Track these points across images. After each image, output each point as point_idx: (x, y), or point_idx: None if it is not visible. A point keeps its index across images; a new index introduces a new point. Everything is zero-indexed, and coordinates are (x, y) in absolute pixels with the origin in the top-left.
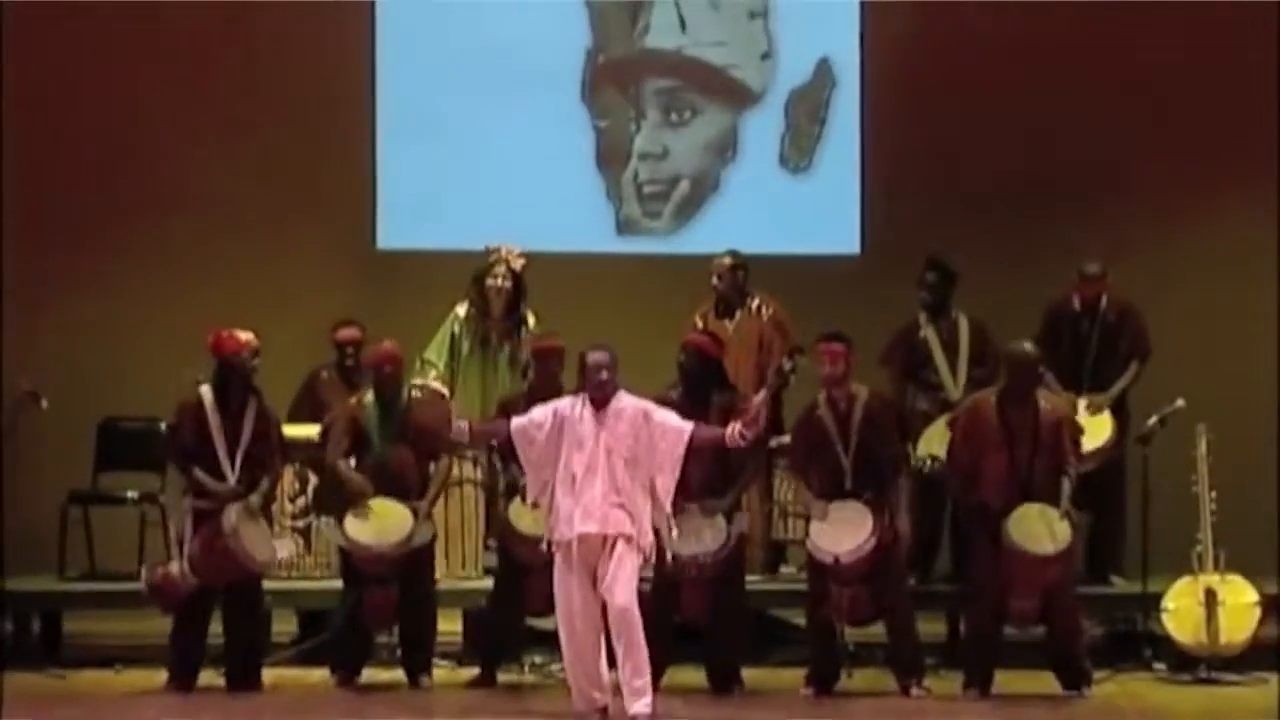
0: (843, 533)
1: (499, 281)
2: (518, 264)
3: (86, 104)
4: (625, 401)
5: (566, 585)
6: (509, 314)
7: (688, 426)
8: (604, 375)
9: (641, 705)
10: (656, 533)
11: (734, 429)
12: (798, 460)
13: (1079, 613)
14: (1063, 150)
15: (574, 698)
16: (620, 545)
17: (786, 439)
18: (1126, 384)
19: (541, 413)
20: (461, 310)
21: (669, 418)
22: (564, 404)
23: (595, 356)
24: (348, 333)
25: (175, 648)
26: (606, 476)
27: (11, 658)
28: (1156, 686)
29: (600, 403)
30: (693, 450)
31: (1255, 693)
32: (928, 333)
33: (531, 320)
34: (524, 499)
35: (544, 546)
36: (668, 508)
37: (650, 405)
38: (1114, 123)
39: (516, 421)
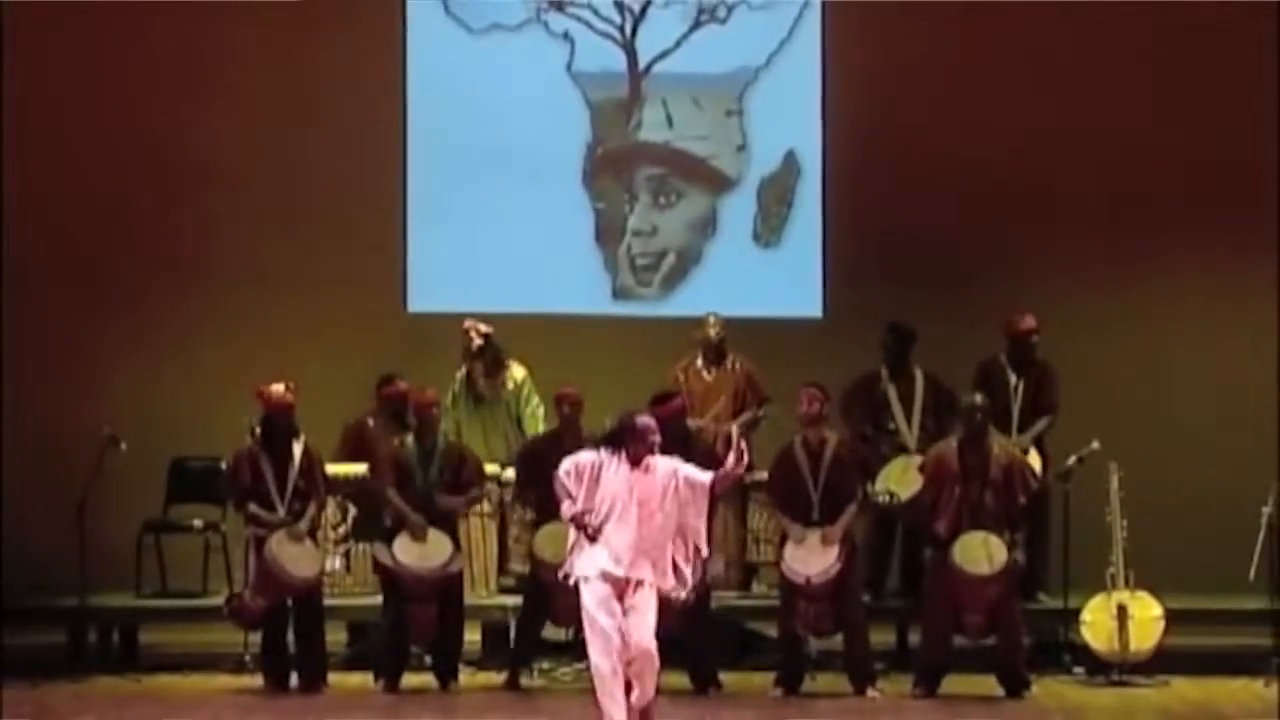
0: (813, 557)
1: (468, 360)
2: (478, 339)
3: (163, 186)
4: (656, 457)
5: (598, 613)
6: (492, 373)
7: (708, 478)
8: (656, 438)
9: None
10: (677, 570)
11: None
12: (776, 491)
13: (1022, 627)
14: (999, 229)
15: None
16: (643, 589)
17: (759, 474)
18: (1039, 432)
19: (585, 459)
20: (460, 373)
21: (694, 472)
22: (602, 456)
23: (646, 421)
24: (398, 387)
25: (265, 656)
26: (636, 527)
27: (94, 664)
28: (1075, 688)
29: (637, 460)
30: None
31: (1159, 693)
32: (888, 386)
33: (521, 373)
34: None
35: (562, 576)
36: (705, 552)
37: (677, 461)
38: (1042, 209)
39: (564, 468)
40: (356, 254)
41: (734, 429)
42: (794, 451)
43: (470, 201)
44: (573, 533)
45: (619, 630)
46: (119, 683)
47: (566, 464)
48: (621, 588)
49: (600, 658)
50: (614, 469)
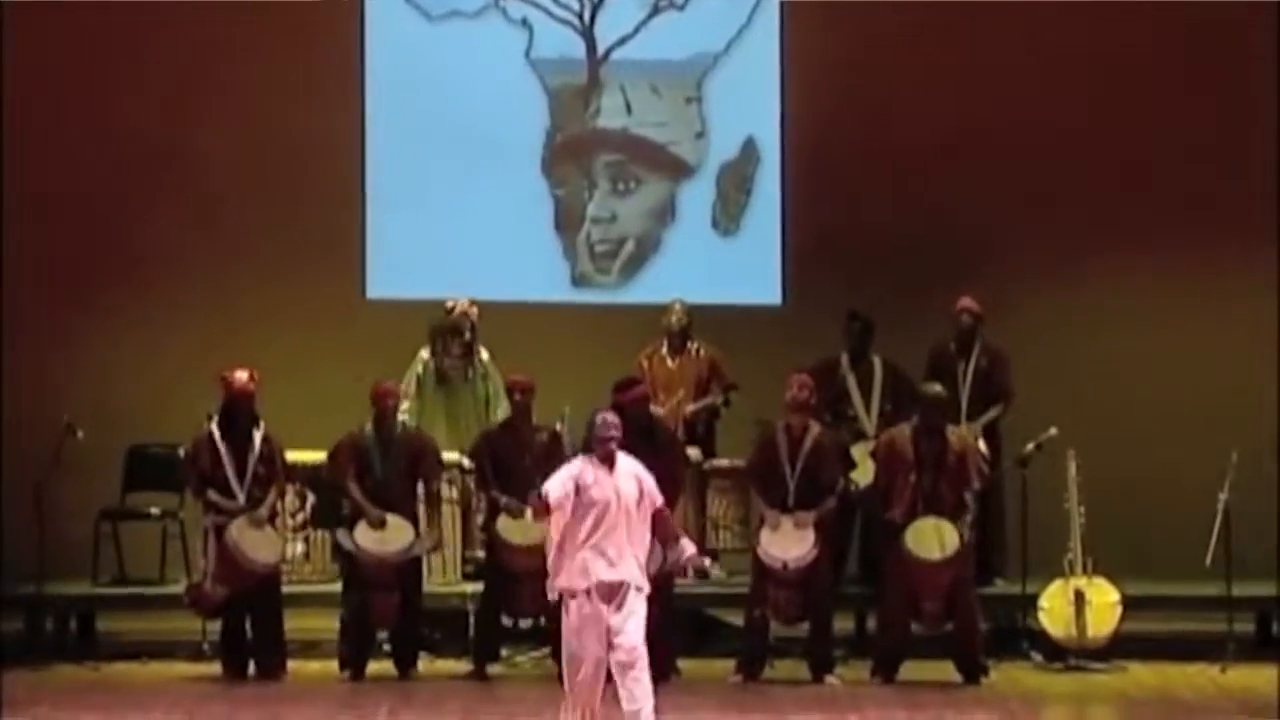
0: (790, 542)
1: (465, 336)
2: (474, 314)
3: (120, 175)
4: (622, 457)
5: (584, 637)
6: (464, 356)
7: (660, 500)
8: (616, 433)
9: None
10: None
11: (678, 560)
12: (756, 476)
13: (977, 614)
14: (957, 217)
15: None
16: (632, 592)
17: (717, 462)
18: (991, 419)
19: (566, 480)
20: (425, 354)
21: (653, 486)
22: (577, 468)
23: (607, 416)
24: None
25: (224, 645)
26: (624, 531)
27: (52, 652)
28: (1033, 673)
29: (609, 461)
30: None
31: (1116, 678)
32: (847, 374)
33: (485, 355)
34: (510, 515)
35: (553, 596)
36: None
37: (640, 466)
38: (999, 198)
39: (556, 499)
40: (315, 241)
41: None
42: (776, 437)
43: (429, 188)
44: (553, 552)
45: (605, 647)
46: (77, 671)
47: (555, 485)
48: (614, 592)
49: (573, 679)
50: (593, 476)
